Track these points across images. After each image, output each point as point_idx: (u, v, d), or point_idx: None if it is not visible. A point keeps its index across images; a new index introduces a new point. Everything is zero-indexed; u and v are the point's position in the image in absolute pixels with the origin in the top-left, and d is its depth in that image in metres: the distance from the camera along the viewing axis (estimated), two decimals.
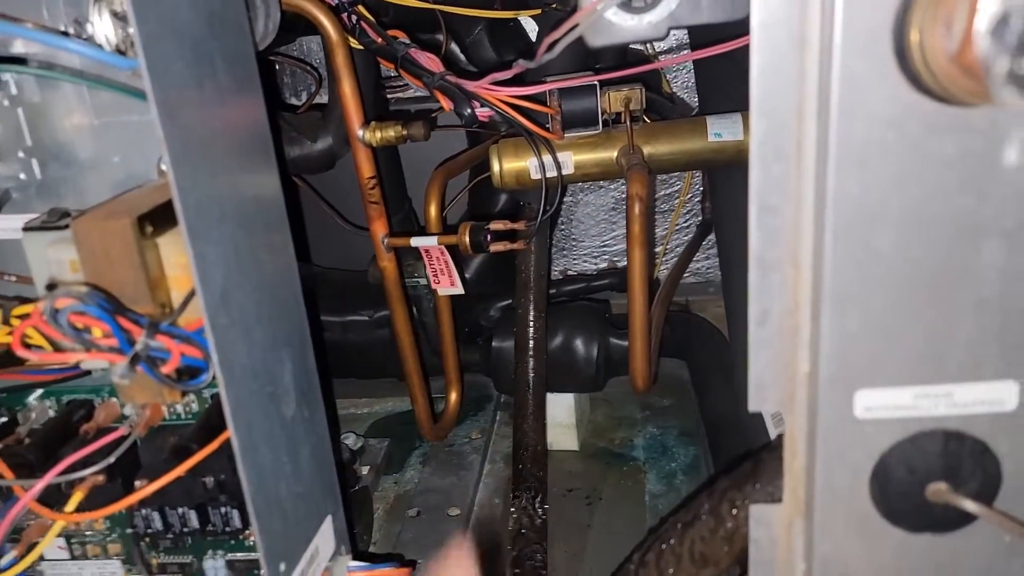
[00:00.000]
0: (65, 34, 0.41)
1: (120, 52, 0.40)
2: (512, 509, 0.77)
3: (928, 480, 0.31)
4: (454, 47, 0.89)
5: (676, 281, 0.94)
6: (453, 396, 0.84)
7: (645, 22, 0.39)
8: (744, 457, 0.38)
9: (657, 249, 1.09)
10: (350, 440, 0.89)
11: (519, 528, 0.76)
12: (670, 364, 0.97)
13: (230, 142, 0.42)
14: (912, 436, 0.30)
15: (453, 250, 0.69)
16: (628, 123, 0.66)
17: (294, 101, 0.98)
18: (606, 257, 1.14)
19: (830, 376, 0.30)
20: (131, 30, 0.40)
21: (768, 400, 0.32)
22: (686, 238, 1.09)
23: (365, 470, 0.86)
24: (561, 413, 0.93)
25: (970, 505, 0.30)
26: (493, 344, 0.89)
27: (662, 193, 1.10)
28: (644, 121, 0.70)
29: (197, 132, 0.38)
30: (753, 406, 0.32)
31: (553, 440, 0.92)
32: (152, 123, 0.37)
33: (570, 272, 1.17)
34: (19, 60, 0.43)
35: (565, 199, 1.11)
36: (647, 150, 0.68)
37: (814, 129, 0.28)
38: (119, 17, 0.40)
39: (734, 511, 0.37)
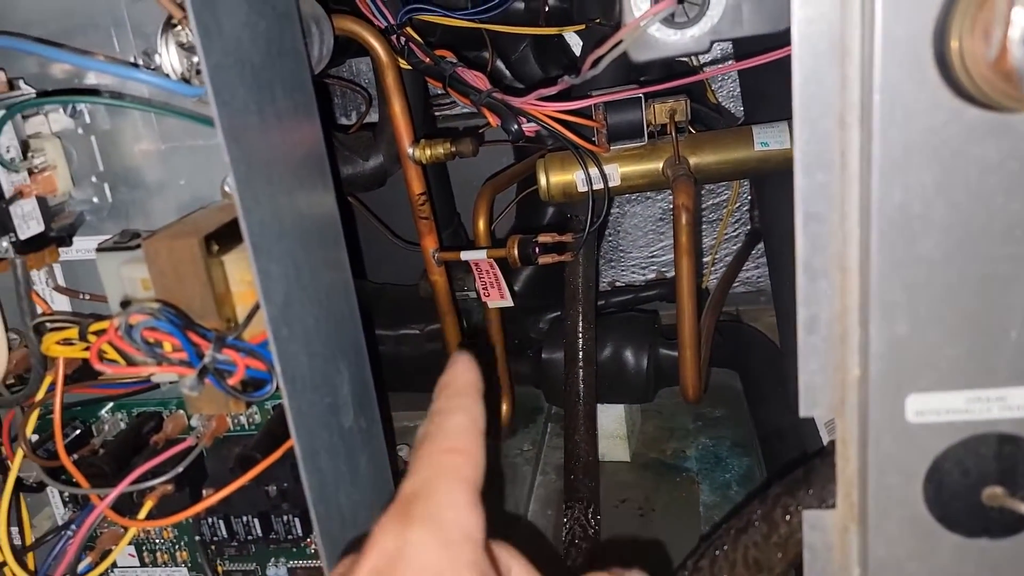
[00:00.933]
0: (135, 65, 0.44)
1: (186, 80, 0.42)
2: (565, 519, 0.78)
3: (983, 484, 0.31)
4: (500, 64, 0.90)
5: (725, 291, 0.94)
6: (504, 407, 0.85)
7: (688, 36, 0.39)
8: (797, 464, 0.38)
9: (706, 259, 1.09)
10: (404, 452, 0.90)
11: (572, 538, 0.76)
12: (722, 374, 0.96)
13: (289, 163, 0.43)
14: (965, 440, 0.30)
15: (502, 263, 0.71)
16: (673, 134, 0.66)
17: (345, 121, 1.01)
18: (654, 268, 1.14)
19: (881, 380, 0.31)
20: (195, 59, 0.42)
21: (819, 405, 0.32)
22: (735, 247, 1.08)
23: None
24: (612, 424, 0.94)
25: None
26: (543, 355, 0.89)
27: (710, 203, 1.09)
28: (689, 132, 0.70)
29: (260, 155, 0.39)
30: (804, 411, 0.33)
31: (605, 451, 0.92)
32: (215, 147, 0.39)
33: (618, 283, 1.17)
34: (92, 91, 0.45)
35: (612, 211, 1.11)
36: (693, 160, 0.68)
37: (857, 137, 0.29)
38: (185, 48, 0.42)
39: (787, 517, 0.37)
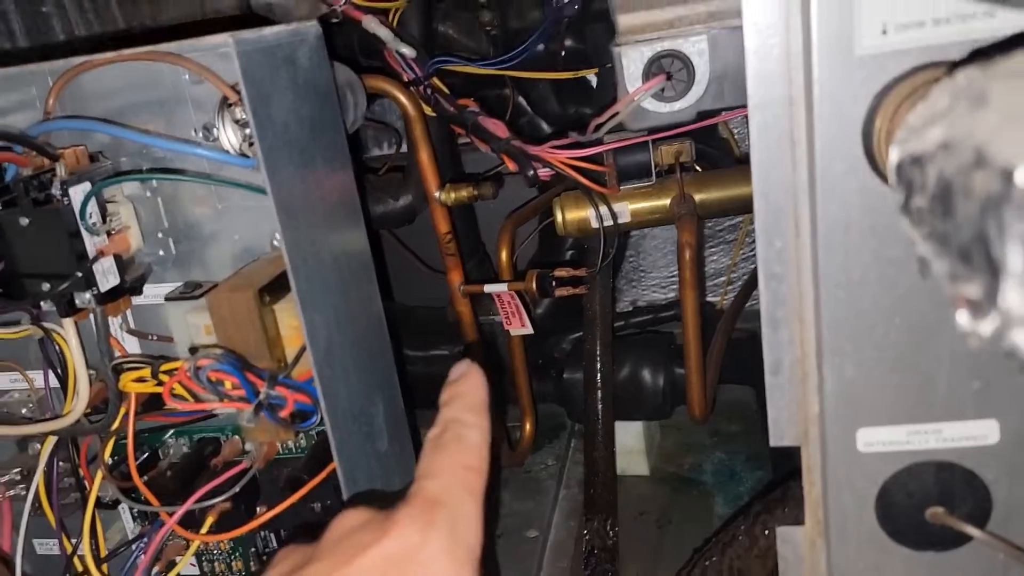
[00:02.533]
0: (196, 143, 0.50)
1: (241, 154, 0.48)
2: (584, 531, 0.83)
3: (926, 505, 0.36)
4: (521, 100, 0.96)
5: (738, 310, 0.98)
6: (528, 425, 0.91)
7: (676, 109, 0.45)
8: (776, 485, 0.43)
9: (721, 279, 1.14)
10: None
11: (591, 549, 0.82)
12: (737, 391, 1.01)
13: (329, 217, 0.50)
14: (908, 467, 0.35)
15: (523, 294, 0.76)
16: (679, 174, 0.72)
17: (376, 151, 1.07)
18: (673, 288, 1.18)
19: (835, 416, 0.36)
20: (247, 131, 0.49)
21: (785, 436, 0.38)
22: (752, 266, 1.13)
23: None
24: (631, 440, 0.99)
25: (964, 527, 0.35)
26: (564, 376, 0.95)
27: (726, 223, 1.14)
28: (696, 171, 0.76)
29: (304, 217, 0.46)
30: (773, 442, 0.38)
31: (625, 466, 0.97)
32: (264, 207, 0.46)
33: (639, 303, 1.21)
34: (162, 170, 0.52)
35: (633, 233, 1.16)
36: (699, 197, 0.73)
37: (807, 211, 0.34)
38: (239, 123, 0.49)
39: (766, 532, 0.42)
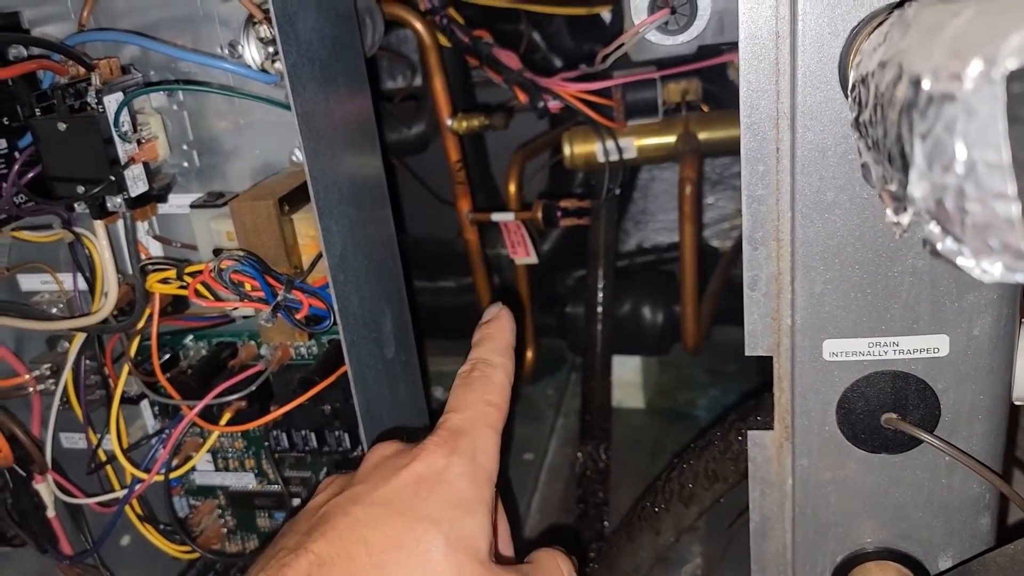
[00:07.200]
0: (221, 57, 0.53)
1: (263, 70, 0.51)
2: (579, 454, 0.87)
3: (882, 411, 0.39)
4: (535, 35, 0.98)
5: (738, 253, 1.01)
6: (529, 353, 0.95)
7: (679, 41, 0.47)
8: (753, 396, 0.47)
9: (724, 225, 1.16)
10: (439, 392, 1.01)
11: (584, 471, 0.86)
12: (736, 333, 1.04)
13: (347, 137, 0.53)
14: (867, 376, 0.39)
15: (529, 224, 0.79)
16: (685, 112, 0.74)
17: (391, 84, 1.09)
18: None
19: (804, 328, 0.39)
20: (271, 50, 0.51)
21: (760, 347, 0.41)
22: None
23: None
24: (629, 374, 1.03)
25: (915, 431, 0.39)
26: (567, 309, 0.98)
27: (736, 169, 1.15)
28: (701, 110, 0.78)
29: (324, 133, 0.49)
30: (748, 351, 0.41)
31: (622, 399, 1.01)
32: (284, 122, 0.49)
33: (645, 245, 1.24)
34: (188, 81, 0.55)
35: (641, 176, 1.18)
36: (703, 136, 0.76)
37: (788, 137, 0.37)
38: (263, 42, 0.51)
39: (739, 437, 0.46)
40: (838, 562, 0.43)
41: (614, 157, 0.75)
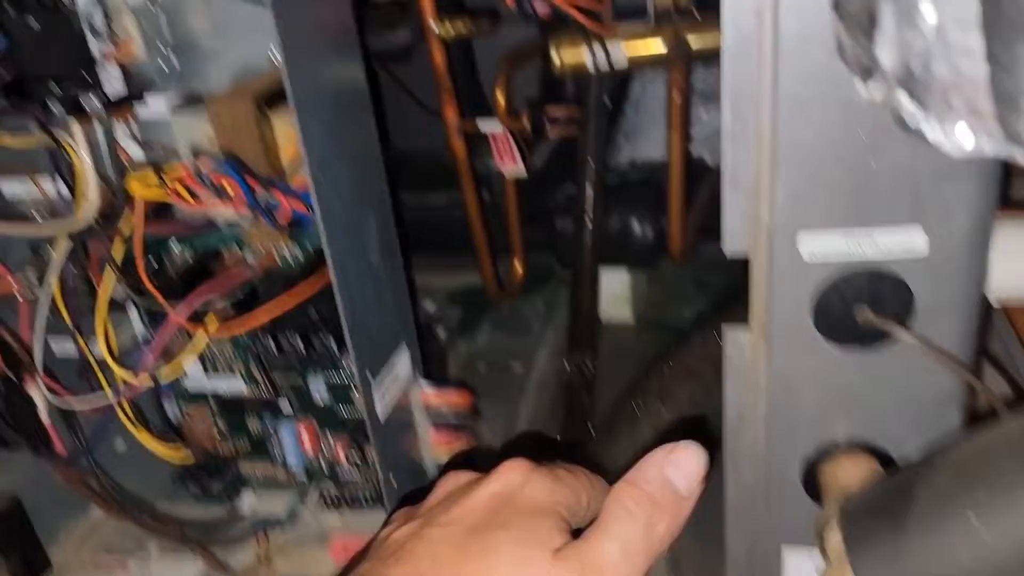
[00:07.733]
0: None
1: None
2: (566, 362, 0.89)
3: (857, 307, 0.40)
4: None
5: None
6: (518, 265, 0.95)
7: None
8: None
9: (717, 141, 1.15)
10: (427, 305, 1.01)
11: (570, 380, 0.88)
12: None
13: (326, 39, 0.51)
14: (844, 274, 0.39)
15: (518, 136, 0.79)
16: (675, 18, 0.72)
17: None
18: None
19: (782, 225, 0.39)
20: None
21: (738, 244, 0.41)
22: None
23: (442, 333, 0.99)
24: (618, 287, 1.03)
25: (887, 324, 0.39)
26: (557, 224, 0.98)
27: None
28: (693, 16, 0.76)
29: (303, 32, 0.48)
30: (726, 248, 0.42)
31: (611, 312, 1.02)
32: (262, 22, 0.47)
33: (637, 160, 1.23)
34: None
35: (634, 89, 1.16)
36: (694, 43, 0.74)
37: (770, 33, 0.36)
38: None
39: (716, 335, 0.47)
40: (810, 455, 0.44)
41: (603, 63, 0.74)
